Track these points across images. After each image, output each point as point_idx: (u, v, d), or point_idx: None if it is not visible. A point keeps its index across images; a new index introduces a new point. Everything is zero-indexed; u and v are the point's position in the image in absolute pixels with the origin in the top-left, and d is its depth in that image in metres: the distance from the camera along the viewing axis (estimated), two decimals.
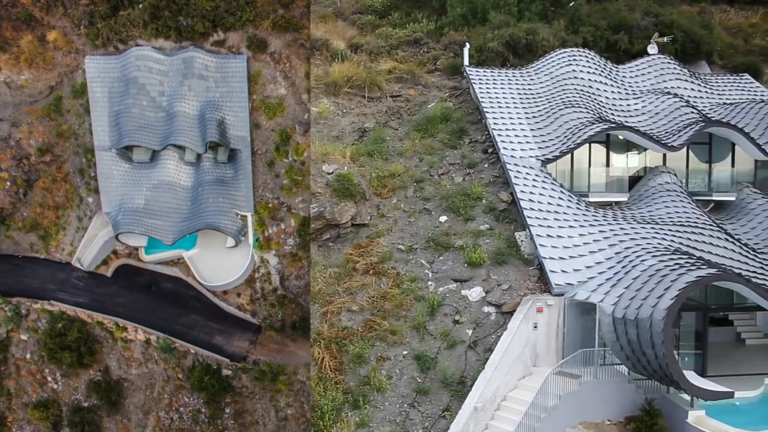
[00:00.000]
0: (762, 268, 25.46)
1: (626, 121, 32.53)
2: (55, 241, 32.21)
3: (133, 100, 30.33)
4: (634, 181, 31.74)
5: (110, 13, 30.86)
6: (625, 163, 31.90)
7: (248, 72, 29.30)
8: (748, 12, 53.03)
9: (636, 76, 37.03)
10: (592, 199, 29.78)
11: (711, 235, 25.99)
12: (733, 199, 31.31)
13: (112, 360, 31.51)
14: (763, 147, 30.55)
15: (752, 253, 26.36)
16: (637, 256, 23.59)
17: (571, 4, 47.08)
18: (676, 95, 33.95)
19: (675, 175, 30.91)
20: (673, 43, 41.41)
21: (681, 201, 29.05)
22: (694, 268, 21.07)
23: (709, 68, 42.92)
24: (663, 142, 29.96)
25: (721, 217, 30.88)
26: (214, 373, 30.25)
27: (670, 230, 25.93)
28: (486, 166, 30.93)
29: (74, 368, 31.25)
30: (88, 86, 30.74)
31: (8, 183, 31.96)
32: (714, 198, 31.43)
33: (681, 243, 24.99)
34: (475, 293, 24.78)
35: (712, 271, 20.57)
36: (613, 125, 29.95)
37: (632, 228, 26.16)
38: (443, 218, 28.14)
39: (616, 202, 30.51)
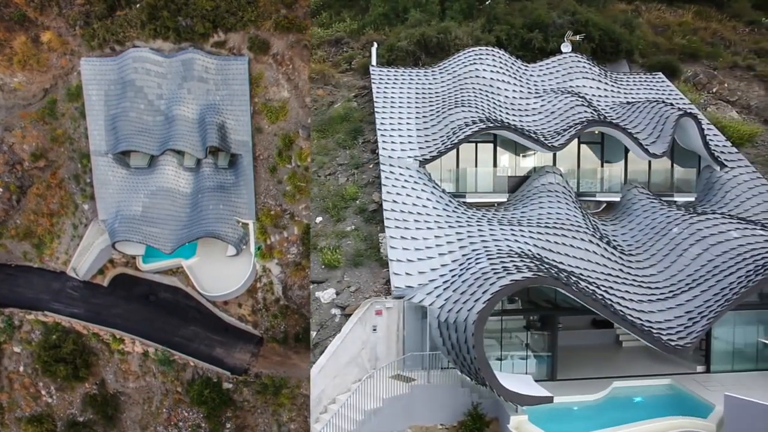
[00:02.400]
0: (621, 270, 25.73)
1: (521, 120, 32.88)
2: (49, 250, 31.36)
3: (130, 104, 29.50)
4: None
5: (107, 14, 29.97)
6: (514, 163, 32.27)
7: (250, 74, 28.49)
8: (680, 10, 53.71)
9: (544, 74, 37.62)
10: (471, 200, 29.86)
11: (575, 237, 26.13)
12: (617, 199, 31.62)
13: (109, 373, 30.68)
14: (647, 147, 30.71)
15: (617, 254, 26.57)
16: (476, 259, 23.72)
17: (487, 2, 47.26)
18: (576, 94, 34.04)
19: (560, 175, 31.04)
20: (589, 41, 41.62)
21: (558, 201, 29.14)
22: (514, 271, 21.10)
23: (629, 67, 43.16)
24: (542, 141, 29.93)
25: (609, 217, 31.13)
26: (215, 386, 29.42)
27: (531, 231, 26.06)
28: (371, 166, 31.28)
29: (69, 381, 30.37)
30: (84, 89, 29.92)
31: (1, 189, 31.12)
32: (598, 198, 31.83)
33: (536, 245, 25.23)
34: (327, 295, 25.31)
35: (530, 274, 20.63)
36: (491, 124, 29.82)
37: (491, 230, 26.26)
38: (319, 219, 28.58)
39: (499, 203, 30.63)
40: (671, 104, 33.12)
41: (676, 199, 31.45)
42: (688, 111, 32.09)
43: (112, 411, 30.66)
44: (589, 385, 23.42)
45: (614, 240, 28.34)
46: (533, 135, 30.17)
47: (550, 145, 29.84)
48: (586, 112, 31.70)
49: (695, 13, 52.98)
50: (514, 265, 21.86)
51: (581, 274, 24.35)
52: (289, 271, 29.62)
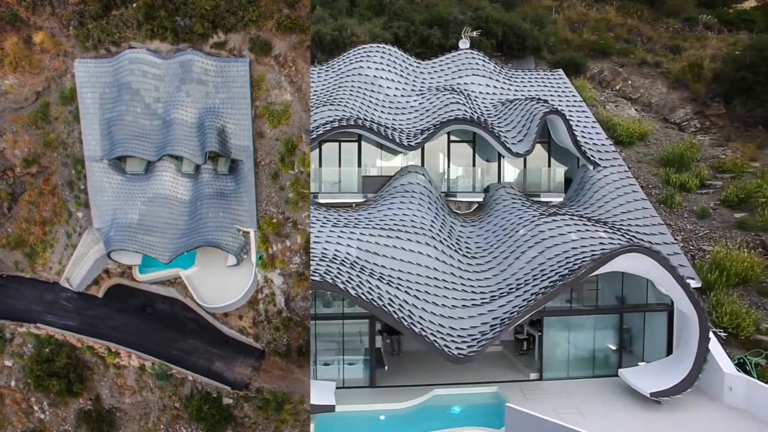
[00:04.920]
0: (453, 273, 25.51)
1: (395, 119, 32.75)
2: (41, 260, 30.51)
3: (126, 107, 28.60)
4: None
5: (102, 13, 29.06)
6: (381, 162, 32.37)
7: (251, 76, 27.67)
8: (608, 6, 54.08)
9: (435, 71, 37.18)
10: (322, 201, 29.91)
11: (410, 239, 26.04)
12: (480, 199, 31.76)
13: (104, 388, 29.79)
14: (509, 146, 30.67)
15: (456, 257, 26.34)
16: None
17: None
18: (457, 91, 33.99)
19: (423, 175, 30.83)
20: (490, 37, 41.34)
21: (411, 202, 28.82)
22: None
23: (535, 63, 42.73)
24: (397, 140, 29.89)
25: (474, 218, 31.00)
26: (214, 401, 28.56)
27: (363, 233, 26.01)
28: None
29: (63, 397, 29.53)
30: (78, 92, 29.03)
31: None
32: (460, 199, 31.87)
33: (360, 247, 25.41)
34: None
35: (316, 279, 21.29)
36: (344, 124, 29.71)
37: (319, 231, 26.47)
38: None
39: (357, 203, 30.65)
40: (545, 101, 32.70)
41: (543, 199, 31.06)
42: (554, 109, 31.43)
43: (108, 427, 29.77)
44: (416, 392, 23.36)
45: (467, 242, 28.00)
46: (389, 134, 29.94)
47: (407, 144, 29.43)
48: (458, 110, 31.23)
49: (617, 9, 52.98)
50: (314, 271, 21.72)
51: (399, 277, 24.06)
52: (291, 282, 28.71)
